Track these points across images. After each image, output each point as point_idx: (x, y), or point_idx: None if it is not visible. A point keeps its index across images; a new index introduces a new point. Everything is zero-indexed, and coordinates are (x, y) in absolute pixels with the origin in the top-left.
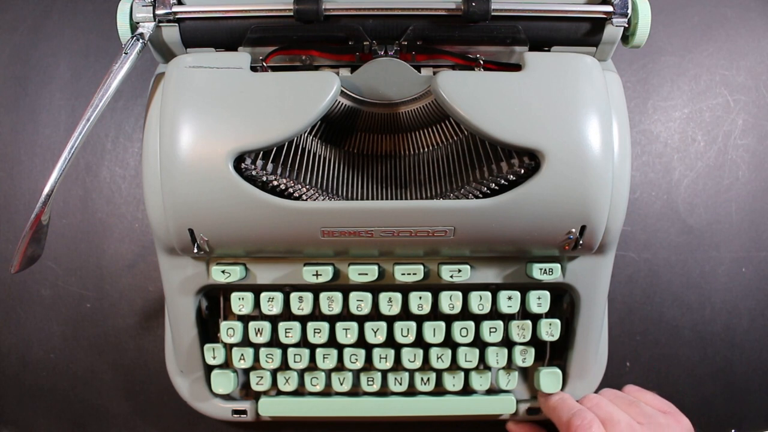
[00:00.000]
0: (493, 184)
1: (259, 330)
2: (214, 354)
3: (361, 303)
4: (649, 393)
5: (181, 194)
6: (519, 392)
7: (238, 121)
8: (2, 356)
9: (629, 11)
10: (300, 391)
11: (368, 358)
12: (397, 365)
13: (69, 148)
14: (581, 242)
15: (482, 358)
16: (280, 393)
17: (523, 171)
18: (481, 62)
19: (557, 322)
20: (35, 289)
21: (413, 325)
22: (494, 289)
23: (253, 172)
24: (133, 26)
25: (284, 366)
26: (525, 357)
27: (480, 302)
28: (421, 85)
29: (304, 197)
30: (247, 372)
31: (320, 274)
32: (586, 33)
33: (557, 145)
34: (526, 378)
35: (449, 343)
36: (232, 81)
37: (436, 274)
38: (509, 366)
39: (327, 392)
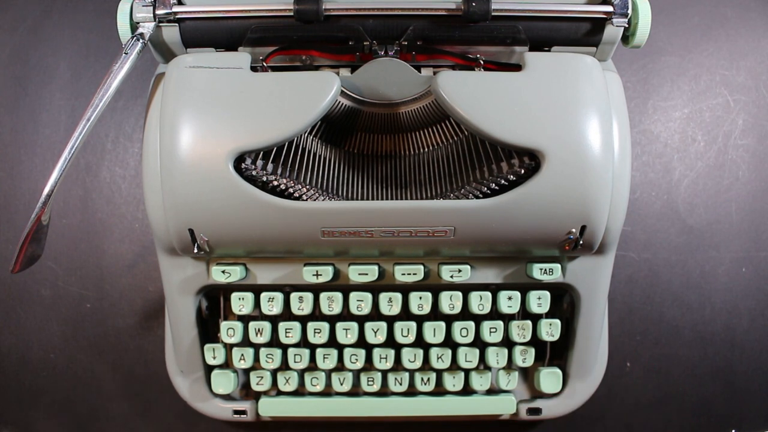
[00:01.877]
0: (493, 184)
1: (259, 330)
2: (214, 354)
3: (361, 303)
4: None
5: (181, 194)
6: (519, 392)
7: (238, 121)
8: (2, 356)
9: (629, 11)
10: (300, 391)
11: (368, 358)
12: (397, 365)
13: (69, 148)
14: (581, 242)
15: (482, 358)
16: (280, 393)
17: (523, 171)
18: (481, 62)
19: (557, 322)
20: (35, 289)
21: (413, 325)
22: (494, 289)
23: (253, 172)
24: (133, 26)
25: (284, 366)
26: (525, 357)
27: (480, 302)
28: (421, 85)
29: (304, 197)
30: (247, 372)
31: (320, 274)
32: (586, 33)
33: (557, 145)
34: (526, 378)
35: (449, 343)
36: (232, 81)
37: (436, 274)
38: (509, 366)
39: (327, 392)
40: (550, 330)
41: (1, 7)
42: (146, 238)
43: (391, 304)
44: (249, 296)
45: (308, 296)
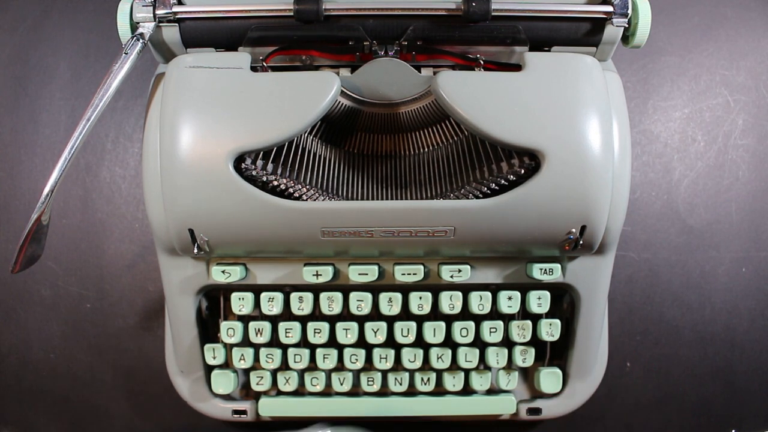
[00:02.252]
0: (493, 184)
1: (259, 330)
2: (214, 354)
3: (361, 303)
4: None
5: (181, 194)
6: (519, 392)
7: (238, 121)
8: (2, 356)
9: (629, 11)
10: (300, 391)
11: (368, 358)
12: (397, 365)
13: (69, 148)
14: (581, 242)
15: (482, 358)
16: (280, 393)
17: (523, 171)
18: (482, 62)
19: (557, 322)
20: (35, 289)
21: (413, 325)
22: (494, 289)
23: (253, 172)
24: (134, 26)
25: (284, 366)
26: (525, 357)
27: (480, 302)
28: (421, 86)
29: (304, 197)
30: (247, 372)
31: (320, 274)
32: (586, 33)
33: (557, 145)
34: (526, 378)
35: (449, 343)
36: (232, 81)
37: (436, 274)
38: (509, 366)
39: (327, 392)
40: (550, 330)
41: (1, 7)
42: (146, 238)
43: (391, 304)
44: (249, 296)
45: (308, 296)
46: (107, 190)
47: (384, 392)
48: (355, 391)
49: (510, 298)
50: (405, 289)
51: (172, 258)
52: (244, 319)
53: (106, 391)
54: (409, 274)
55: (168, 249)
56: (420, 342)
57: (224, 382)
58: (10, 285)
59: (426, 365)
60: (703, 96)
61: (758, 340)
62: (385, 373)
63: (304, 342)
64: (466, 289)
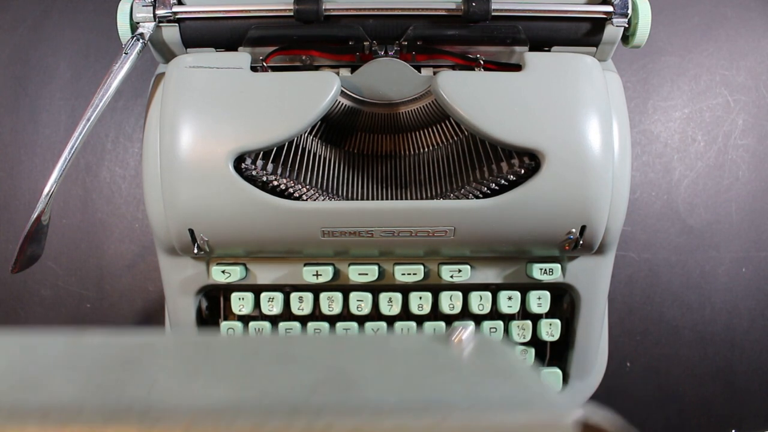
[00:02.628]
0: (493, 184)
1: (259, 330)
2: None
3: (361, 303)
4: None
5: (181, 194)
6: None
7: (238, 122)
8: None
9: (629, 11)
10: None
11: None
12: None
13: (69, 148)
14: (581, 242)
15: None
16: None
17: (523, 171)
18: (481, 62)
19: (557, 322)
20: (35, 289)
21: (413, 325)
22: (494, 289)
23: (254, 172)
24: (134, 26)
25: None
26: (525, 357)
27: (480, 302)
28: (421, 86)
29: (304, 197)
30: None
31: (320, 274)
32: (586, 33)
33: (557, 145)
34: None
35: None
36: (232, 81)
37: (436, 274)
38: None
39: None
40: (550, 330)
41: (1, 7)
42: (146, 238)
43: (391, 304)
44: (249, 296)
45: (308, 296)
46: (107, 190)
47: None
48: None
49: (510, 298)
50: (405, 289)
51: (172, 258)
52: (244, 319)
53: None
54: (409, 274)
55: (168, 249)
56: None
57: None
58: (10, 285)
59: None
60: (703, 96)
61: (758, 340)
62: None
63: None
64: (466, 289)
